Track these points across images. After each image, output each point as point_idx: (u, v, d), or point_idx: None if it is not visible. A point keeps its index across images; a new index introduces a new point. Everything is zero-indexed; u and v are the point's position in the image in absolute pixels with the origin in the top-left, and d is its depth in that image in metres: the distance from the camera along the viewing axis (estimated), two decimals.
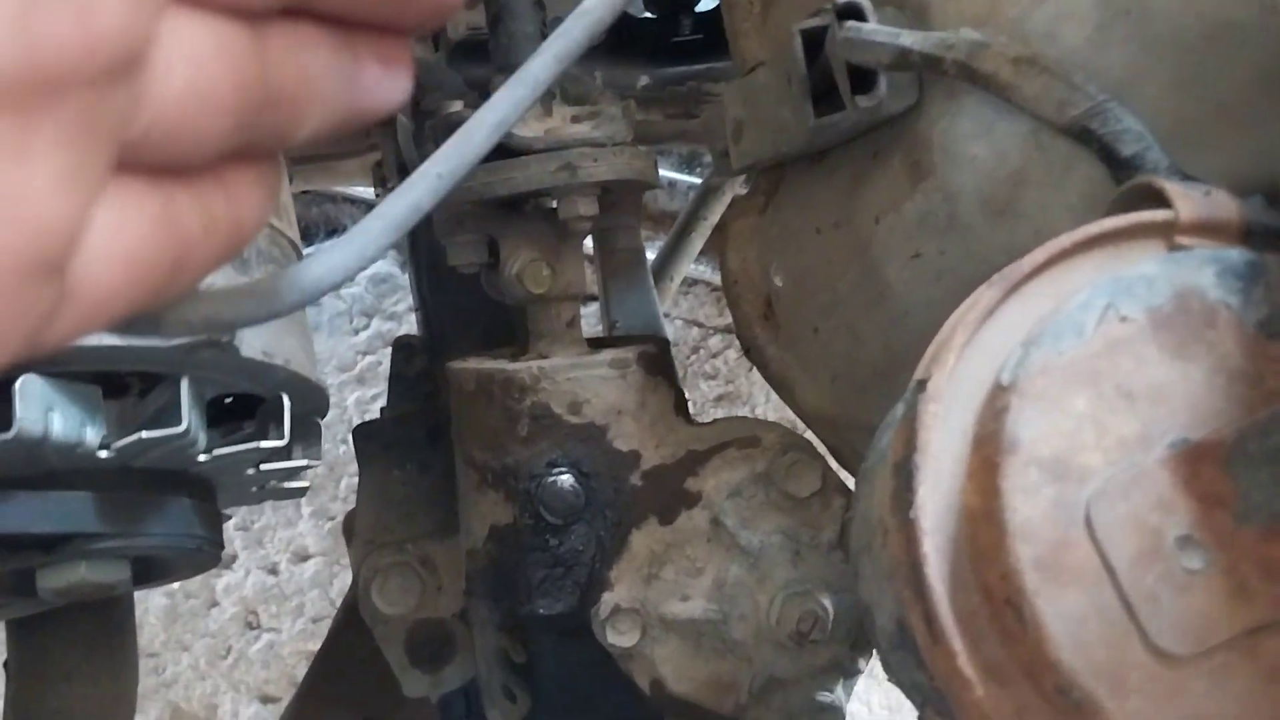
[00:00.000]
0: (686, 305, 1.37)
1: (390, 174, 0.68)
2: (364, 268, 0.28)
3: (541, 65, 0.30)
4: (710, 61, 1.02)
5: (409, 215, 0.28)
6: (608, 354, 0.52)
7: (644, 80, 1.02)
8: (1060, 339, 0.29)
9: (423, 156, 0.60)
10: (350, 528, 0.66)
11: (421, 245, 0.67)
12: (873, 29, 0.41)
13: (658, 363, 0.53)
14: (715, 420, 0.53)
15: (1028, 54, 0.39)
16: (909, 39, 0.40)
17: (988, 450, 0.29)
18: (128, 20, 0.20)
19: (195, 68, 0.22)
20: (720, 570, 0.48)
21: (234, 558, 1.24)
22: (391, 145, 0.66)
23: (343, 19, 0.26)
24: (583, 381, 0.50)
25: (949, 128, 0.43)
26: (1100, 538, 0.27)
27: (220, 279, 0.42)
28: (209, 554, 0.48)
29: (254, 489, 0.50)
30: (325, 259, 0.27)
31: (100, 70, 0.20)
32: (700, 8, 1.02)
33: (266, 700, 1.21)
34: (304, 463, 0.48)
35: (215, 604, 1.26)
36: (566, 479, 0.49)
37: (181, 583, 1.24)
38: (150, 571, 0.49)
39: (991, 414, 0.29)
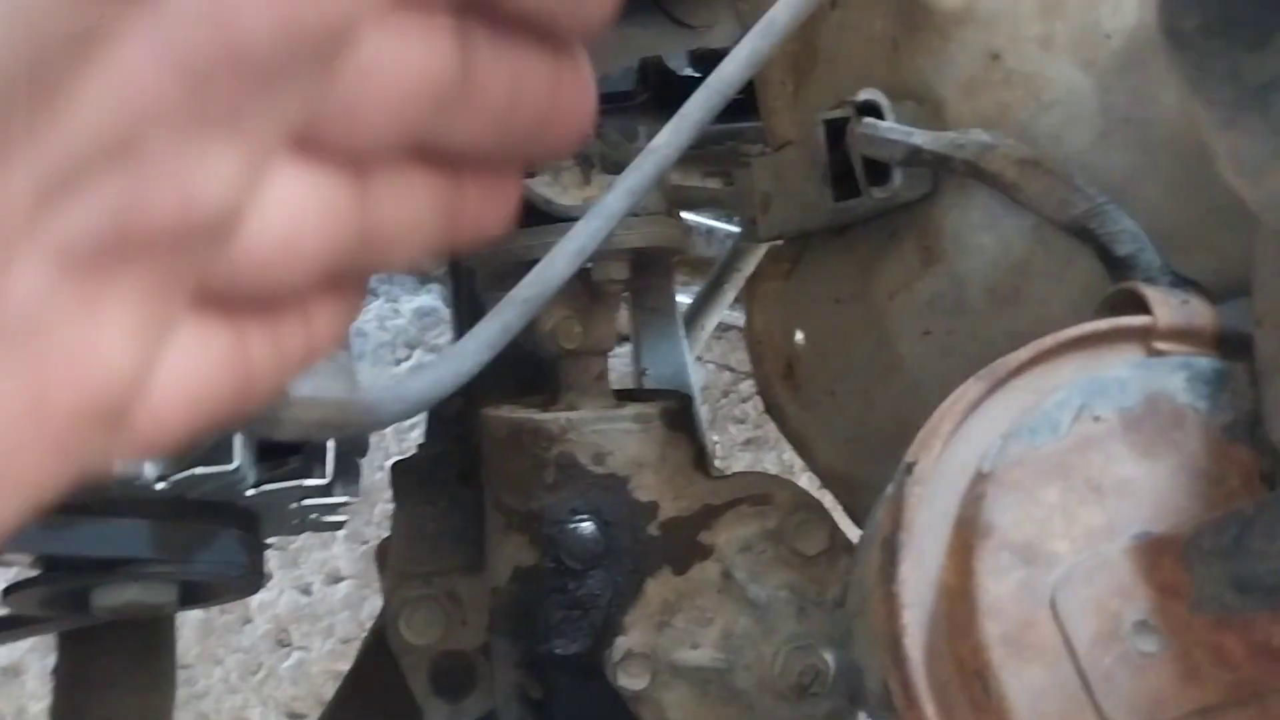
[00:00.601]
0: (719, 350, 1.40)
1: None
2: (460, 385, 0.30)
3: (616, 199, 0.33)
4: (750, 121, 1.05)
5: (501, 337, 0.31)
6: (632, 409, 0.55)
7: None
8: (1037, 434, 0.32)
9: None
10: (384, 556, 0.69)
11: (464, 294, 0.70)
12: (888, 127, 0.44)
13: (679, 418, 0.56)
14: (731, 475, 0.56)
15: (1032, 156, 0.42)
16: (920, 138, 0.43)
17: (965, 533, 0.31)
18: (231, 190, 0.20)
19: (292, 221, 0.22)
20: (729, 621, 0.51)
21: (269, 577, 1.27)
22: None
23: (460, 157, 0.25)
24: (607, 434, 0.53)
25: (959, 218, 0.46)
26: (1063, 619, 0.30)
27: None
28: (251, 581, 0.52)
29: (295, 521, 0.54)
30: (425, 376, 0.29)
31: (191, 235, 0.20)
32: None
33: (293, 716, 1.24)
34: (343, 499, 0.52)
35: (249, 621, 1.30)
36: (588, 526, 0.52)
37: None
38: (195, 594, 0.52)
39: (971, 499, 0.32)
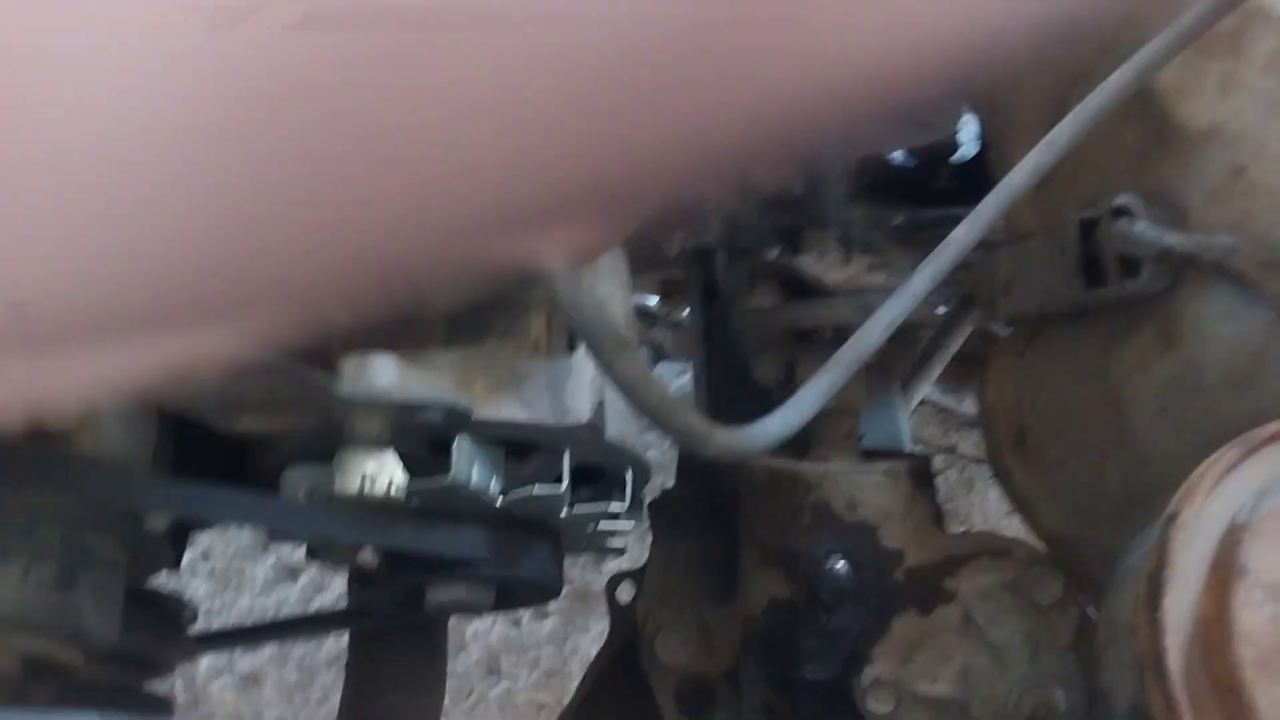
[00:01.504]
0: (913, 423, 1.44)
1: (693, 295, 0.81)
2: (802, 425, 0.39)
3: (920, 282, 0.41)
4: (964, 208, 1.12)
5: (827, 393, 0.40)
6: (882, 464, 0.62)
7: (899, 219, 1.13)
8: None
9: (732, 284, 0.72)
10: (613, 589, 0.78)
11: (716, 354, 0.79)
12: (1142, 228, 0.50)
13: (923, 477, 0.63)
14: (969, 532, 0.63)
15: (1274, 258, 0.48)
16: (1172, 239, 0.49)
17: (1222, 573, 0.38)
18: None
19: None
20: (968, 659, 0.57)
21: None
22: (698, 271, 0.78)
23: None
24: (860, 485, 0.61)
25: (1199, 309, 0.51)
26: None
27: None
28: (554, 590, 0.60)
29: (584, 542, 0.62)
30: (773, 422, 0.38)
31: None
32: (956, 158, 1.13)
33: None
34: (631, 525, 0.60)
35: (463, 648, 1.40)
36: (842, 566, 0.59)
37: None
38: (506, 598, 0.62)
39: (1228, 545, 0.38)
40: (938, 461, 1.50)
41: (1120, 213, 0.52)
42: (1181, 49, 0.47)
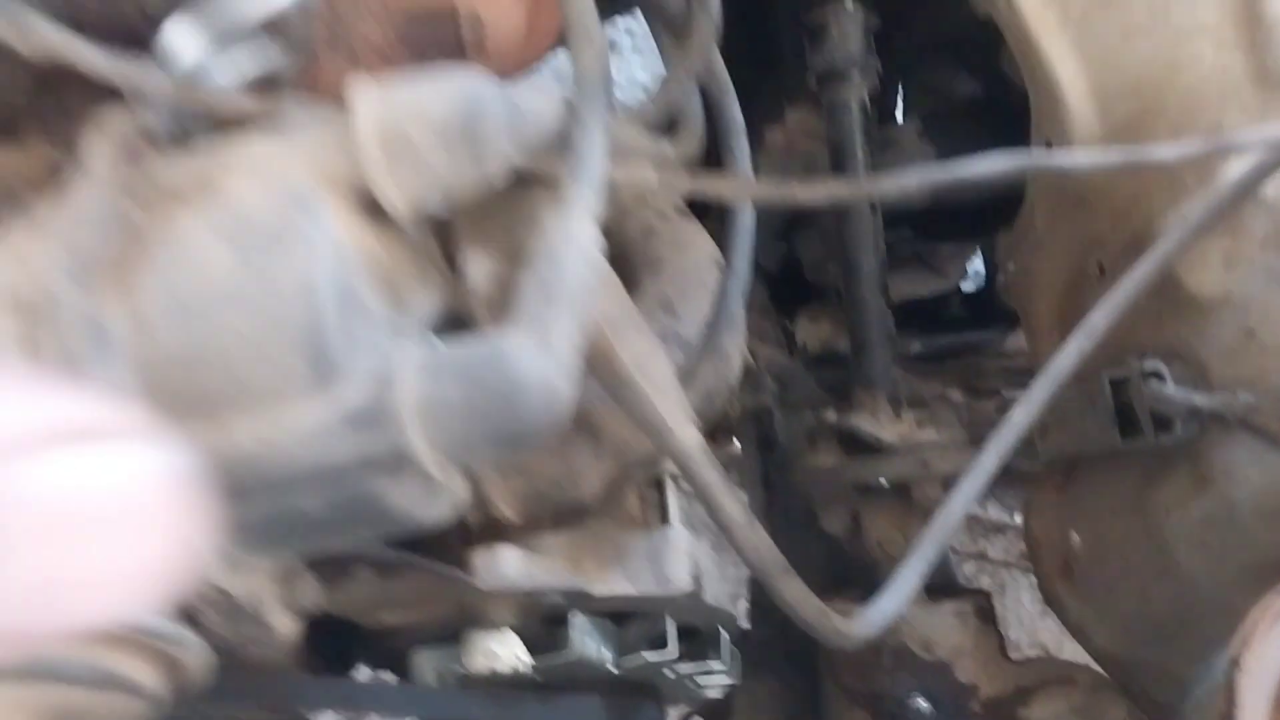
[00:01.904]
0: None
1: (749, 447, 0.87)
2: (902, 610, 0.45)
3: (989, 459, 0.47)
4: (976, 332, 1.19)
5: (927, 567, 0.45)
6: (950, 605, 0.68)
7: (916, 347, 1.20)
8: None
9: (790, 439, 0.78)
10: None
11: (778, 502, 0.85)
12: (1172, 389, 0.57)
13: (987, 612, 0.68)
14: (1031, 660, 0.68)
15: None
16: (1200, 399, 0.56)
17: None
18: None
19: None
20: None
21: None
22: (755, 427, 0.85)
23: None
24: (933, 626, 0.66)
25: (1228, 455, 0.58)
26: None
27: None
28: None
29: (684, 696, 0.68)
30: (890, 601, 0.44)
31: None
32: (966, 289, 1.21)
33: None
34: (727, 680, 0.66)
35: None
36: (924, 704, 0.64)
37: None
38: None
39: None
40: (968, 568, 1.55)
41: (1149, 374, 0.58)
42: (1195, 238, 0.54)
